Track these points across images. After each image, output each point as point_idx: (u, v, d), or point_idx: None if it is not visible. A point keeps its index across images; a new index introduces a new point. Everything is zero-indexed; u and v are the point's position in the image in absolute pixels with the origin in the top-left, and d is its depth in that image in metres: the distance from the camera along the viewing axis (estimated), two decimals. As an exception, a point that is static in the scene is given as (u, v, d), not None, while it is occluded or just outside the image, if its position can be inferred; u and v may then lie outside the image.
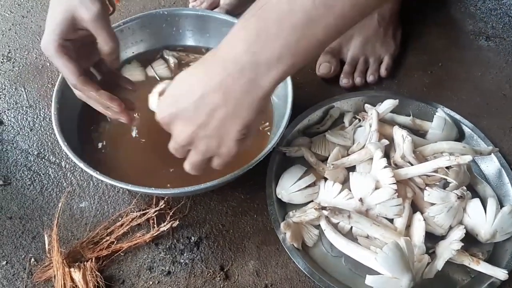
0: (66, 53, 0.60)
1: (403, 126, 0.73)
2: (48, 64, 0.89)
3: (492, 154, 0.72)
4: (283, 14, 0.47)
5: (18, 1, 1.00)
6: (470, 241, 0.64)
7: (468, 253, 0.63)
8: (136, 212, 0.69)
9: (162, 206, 0.69)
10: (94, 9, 0.59)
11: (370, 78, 0.85)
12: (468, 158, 0.62)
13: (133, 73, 0.81)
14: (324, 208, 0.61)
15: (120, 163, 0.70)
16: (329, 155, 0.71)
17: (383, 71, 0.86)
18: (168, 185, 0.67)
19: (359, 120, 0.76)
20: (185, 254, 0.67)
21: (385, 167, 0.63)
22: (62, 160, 0.76)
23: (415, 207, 0.66)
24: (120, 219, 0.69)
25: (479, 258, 0.62)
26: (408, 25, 0.94)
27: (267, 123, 0.75)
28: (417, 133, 0.76)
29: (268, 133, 0.74)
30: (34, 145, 0.78)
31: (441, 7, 1.01)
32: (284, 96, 0.71)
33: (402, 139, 0.68)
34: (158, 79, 0.81)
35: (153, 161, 0.70)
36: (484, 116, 0.82)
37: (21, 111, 0.82)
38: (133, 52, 0.83)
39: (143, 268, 0.66)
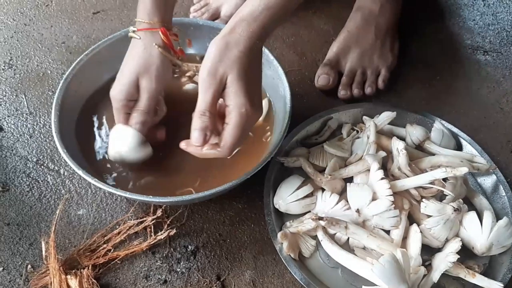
0: (126, 112, 0.66)
1: (401, 138, 0.73)
2: (49, 72, 0.89)
3: (489, 167, 0.73)
4: None
5: (21, 9, 1.01)
6: (466, 254, 0.64)
7: (464, 265, 0.63)
8: (134, 220, 0.69)
9: (160, 215, 0.69)
10: (153, 85, 0.65)
11: (368, 89, 0.86)
12: (464, 170, 0.63)
13: None
14: (321, 218, 0.61)
15: (119, 171, 0.70)
16: (326, 166, 0.71)
17: (380, 83, 0.86)
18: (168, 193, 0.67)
19: (357, 131, 0.77)
20: (181, 263, 0.67)
21: (382, 178, 0.64)
22: (61, 167, 0.76)
23: (412, 219, 0.66)
24: (117, 227, 0.69)
25: (475, 271, 0.62)
26: (406, 38, 0.95)
27: (269, 133, 0.75)
28: (418, 146, 0.76)
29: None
30: (34, 152, 0.78)
31: (440, 22, 1.02)
32: (283, 107, 0.72)
33: (397, 152, 0.68)
34: None
35: (152, 169, 0.71)
36: (481, 130, 0.83)
37: (21, 118, 0.83)
38: None
39: (140, 277, 0.66)
